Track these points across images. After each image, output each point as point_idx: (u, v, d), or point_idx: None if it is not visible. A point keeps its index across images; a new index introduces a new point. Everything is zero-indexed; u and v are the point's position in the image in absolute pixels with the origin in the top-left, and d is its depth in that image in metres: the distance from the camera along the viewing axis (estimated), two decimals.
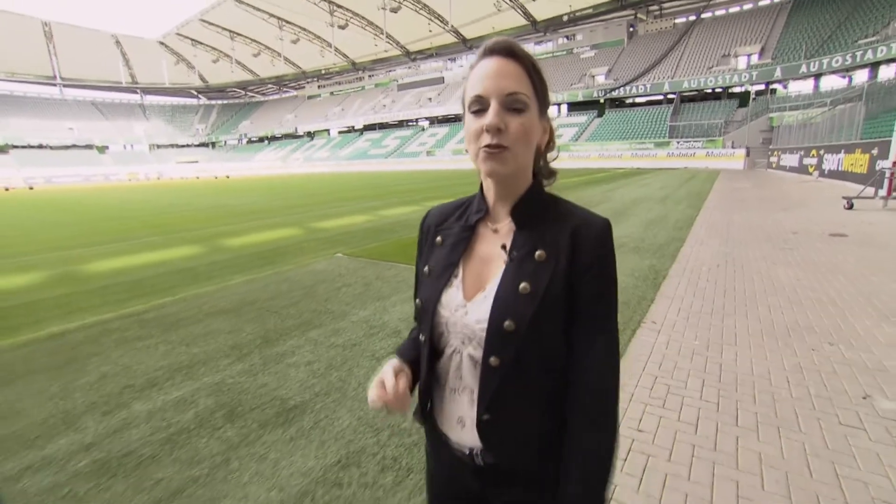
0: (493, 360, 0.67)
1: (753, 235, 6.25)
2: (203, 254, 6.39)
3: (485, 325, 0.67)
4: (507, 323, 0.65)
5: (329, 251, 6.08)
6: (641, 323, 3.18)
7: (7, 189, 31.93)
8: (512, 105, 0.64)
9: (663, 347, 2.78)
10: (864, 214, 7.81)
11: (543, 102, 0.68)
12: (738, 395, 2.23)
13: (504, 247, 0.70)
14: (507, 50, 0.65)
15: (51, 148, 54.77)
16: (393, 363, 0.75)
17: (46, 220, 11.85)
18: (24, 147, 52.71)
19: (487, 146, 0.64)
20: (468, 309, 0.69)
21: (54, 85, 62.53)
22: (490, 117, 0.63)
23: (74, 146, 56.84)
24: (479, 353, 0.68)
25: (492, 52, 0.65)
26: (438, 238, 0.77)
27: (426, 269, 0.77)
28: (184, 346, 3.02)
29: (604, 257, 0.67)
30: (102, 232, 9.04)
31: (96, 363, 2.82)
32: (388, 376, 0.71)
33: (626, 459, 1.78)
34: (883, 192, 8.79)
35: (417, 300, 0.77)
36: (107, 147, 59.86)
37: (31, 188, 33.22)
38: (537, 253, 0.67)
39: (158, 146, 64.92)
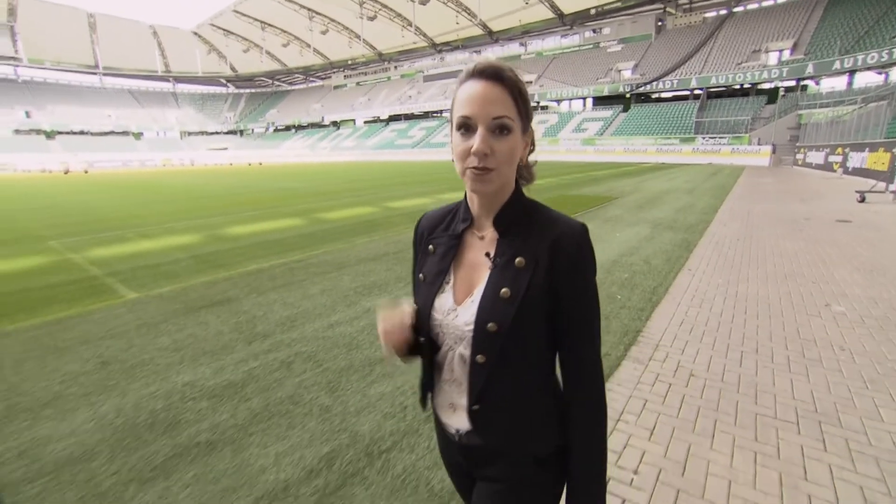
0: (479, 357, 0.74)
1: (770, 220, 7.37)
2: (309, 224, 7.87)
3: (472, 327, 0.74)
4: (490, 325, 0.72)
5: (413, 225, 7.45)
6: (679, 271, 4.43)
7: (66, 172, 34.42)
8: (498, 127, 0.68)
9: (696, 283, 4.05)
10: (873, 206, 8.78)
11: (526, 121, 0.73)
12: (746, 305, 3.50)
13: (488, 254, 0.76)
14: (495, 74, 0.69)
15: (91, 134, 57.64)
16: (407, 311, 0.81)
17: (143, 198, 13.56)
18: (68, 133, 55.65)
19: (474, 168, 0.69)
20: (458, 312, 0.76)
21: (95, 74, 65.37)
22: (477, 143, 0.67)
23: (112, 132, 59.64)
24: (468, 352, 0.76)
25: (481, 74, 0.69)
26: (430, 246, 0.83)
27: (421, 275, 0.83)
28: (360, 277, 4.43)
29: (581, 262, 0.73)
30: (206, 207, 10.62)
31: (309, 285, 4.25)
32: (406, 317, 0.79)
33: (680, 325, 3.07)
34: (893, 187, 9.69)
35: (414, 305, 0.83)
36: (142, 133, 62.57)
37: (86, 171, 35.68)
38: (517, 260, 0.73)
39: (189, 133, 67.45)
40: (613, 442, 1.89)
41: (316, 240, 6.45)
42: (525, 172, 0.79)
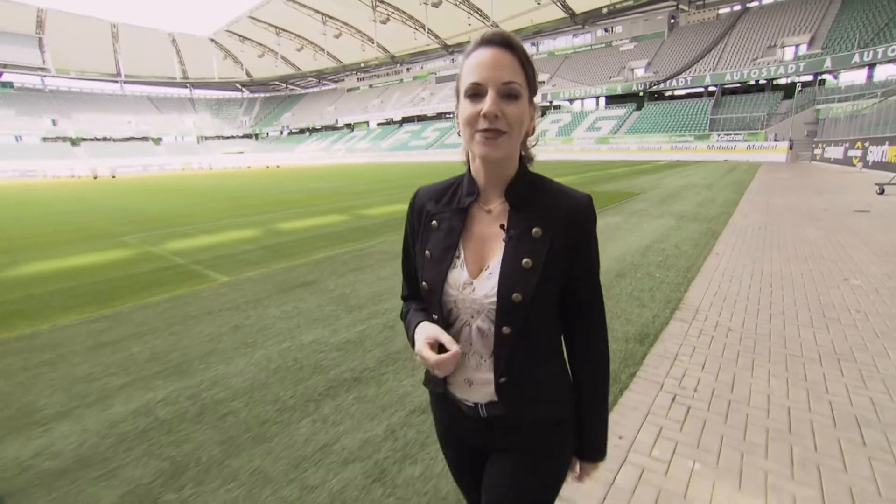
0: (505, 329, 0.74)
1: (789, 211, 7.76)
2: (354, 219, 8.50)
3: (493, 299, 0.74)
4: (514, 295, 0.73)
5: None
6: (707, 256, 4.90)
7: (95, 177, 35.81)
8: (507, 93, 0.69)
9: (725, 263, 4.54)
10: (892, 198, 9.08)
11: (533, 89, 0.74)
12: (771, 280, 3.98)
13: (502, 226, 0.77)
14: (504, 41, 0.70)
15: (113, 140, 59.56)
16: (436, 326, 0.79)
17: (184, 200, 14.37)
18: (91, 140, 57.59)
19: (485, 130, 0.70)
20: (475, 286, 0.76)
21: (116, 82, 67.45)
22: (488, 105, 0.68)
23: (133, 138, 61.51)
24: (486, 325, 0.77)
25: (489, 42, 0.70)
26: (434, 222, 0.83)
27: (427, 252, 0.82)
28: None
29: (591, 233, 0.77)
30: (249, 206, 11.33)
31: (378, 269, 4.85)
32: (444, 337, 0.76)
33: (714, 295, 3.56)
34: None
35: (424, 283, 0.82)
36: (161, 139, 64.37)
37: (113, 176, 37.04)
38: (534, 230, 0.74)
39: (206, 138, 69.14)
40: (675, 371, 2.42)
41: (367, 233, 7.05)
42: (528, 153, 0.81)
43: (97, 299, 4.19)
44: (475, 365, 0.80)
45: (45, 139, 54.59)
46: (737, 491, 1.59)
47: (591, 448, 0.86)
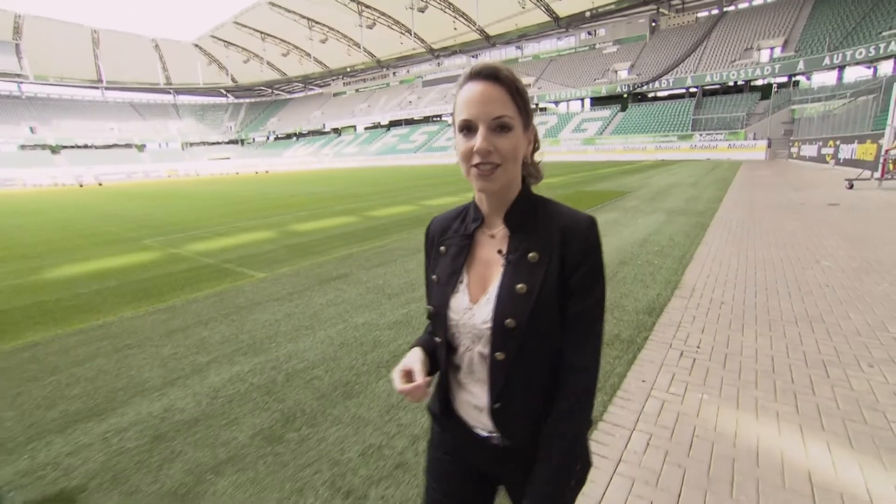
0: (498, 355, 0.75)
1: (769, 206, 8.43)
2: (363, 220, 8.91)
3: (490, 325, 0.75)
4: (507, 321, 0.73)
5: None
6: (698, 245, 5.47)
7: (81, 185, 35.38)
8: (498, 126, 0.71)
9: (714, 251, 5.11)
10: (860, 192, 9.86)
11: (527, 118, 0.75)
12: (755, 263, 4.54)
13: (500, 251, 0.78)
14: (492, 74, 0.71)
15: (95, 147, 58.58)
16: (418, 354, 0.83)
17: (186, 205, 14.55)
18: (72, 147, 56.55)
19: (478, 165, 0.72)
20: (474, 311, 0.78)
21: (97, 88, 66.33)
22: (479, 142, 0.70)
23: (116, 145, 60.58)
24: (487, 350, 0.77)
25: (478, 76, 0.72)
26: (442, 248, 0.86)
27: (434, 277, 0.85)
28: None
29: (591, 254, 0.74)
30: (255, 210, 11.64)
31: (403, 262, 5.30)
32: (416, 367, 0.79)
33: (707, 276, 4.10)
34: (878, 175, 10.79)
35: (430, 307, 0.85)
36: (144, 146, 63.51)
37: (100, 184, 36.62)
38: (530, 255, 0.75)
39: (191, 144, 68.42)
40: (680, 334, 2.93)
41: (380, 232, 7.48)
42: (532, 170, 0.81)
43: (146, 296, 4.53)
44: (481, 392, 0.81)
45: (22, 147, 53.42)
46: (735, 411, 2.09)
47: (536, 498, 0.73)
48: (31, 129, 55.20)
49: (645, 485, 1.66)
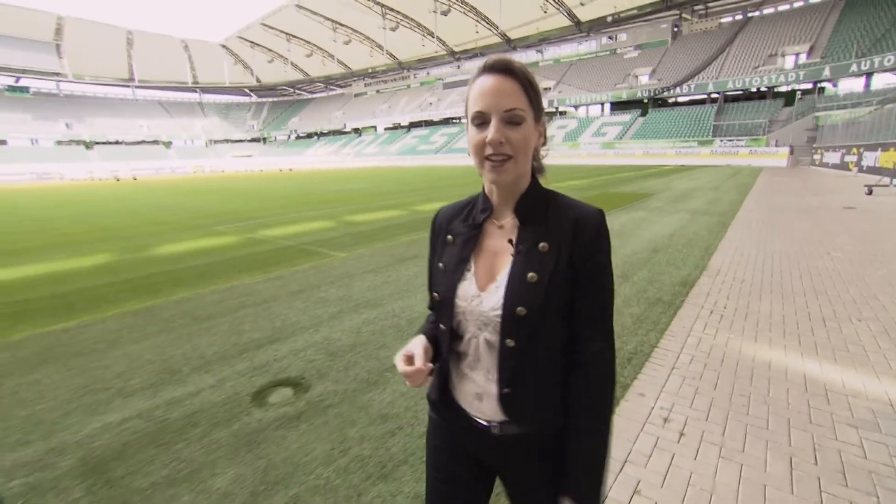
0: (508, 341, 0.77)
1: (787, 209, 9.05)
2: (411, 214, 9.81)
3: (499, 312, 0.77)
4: (519, 309, 0.75)
5: None
6: (721, 239, 6.17)
7: (118, 179, 37.24)
8: (511, 119, 0.73)
9: (736, 244, 5.83)
10: (878, 198, 10.35)
11: (538, 111, 0.77)
12: (773, 254, 5.26)
13: (511, 241, 0.80)
14: (505, 68, 0.73)
15: (125, 144, 61.02)
16: (422, 340, 0.86)
17: (234, 199, 15.64)
18: (104, 143, 59.01)
19: (490, 157, 0.74)
20: (482, 298, 0.79)
21: (128, 86, 68.97)
22: (492, 133, 0.72)
23: (144, 142, 62.95)
24: (494, 337, 0.79)
25: (491, 69, 0.74)
26: (449, 237, 0.88)
27: (440, 265, 0.87)
28: None
29: (600, 246, 0.77)
30: (304, 204, 12.64)
31: None
32: (417, 352, 0.82)
33: (730, 263, 4.83)
34: None
35: (435, 293, 0.87)
36: (171, 142, 65.81)
37: (135, 178, 38.45)
38: (540, 245, 0.77)
39: (215, 141, 70.57)
40: (709, 300, 3.69)
41: (427, 224, 8.29)
42: (539, 166, 0.84)
43: (253, 268, 5.44)
44: (484, 379, 0.82)
45: (59, 143, 56.05)
46: (753, 343, 2.89)
47: (577, 487, 0.78)
48: (67, 126, 57.83)
49: (692, 379, 2.46)
